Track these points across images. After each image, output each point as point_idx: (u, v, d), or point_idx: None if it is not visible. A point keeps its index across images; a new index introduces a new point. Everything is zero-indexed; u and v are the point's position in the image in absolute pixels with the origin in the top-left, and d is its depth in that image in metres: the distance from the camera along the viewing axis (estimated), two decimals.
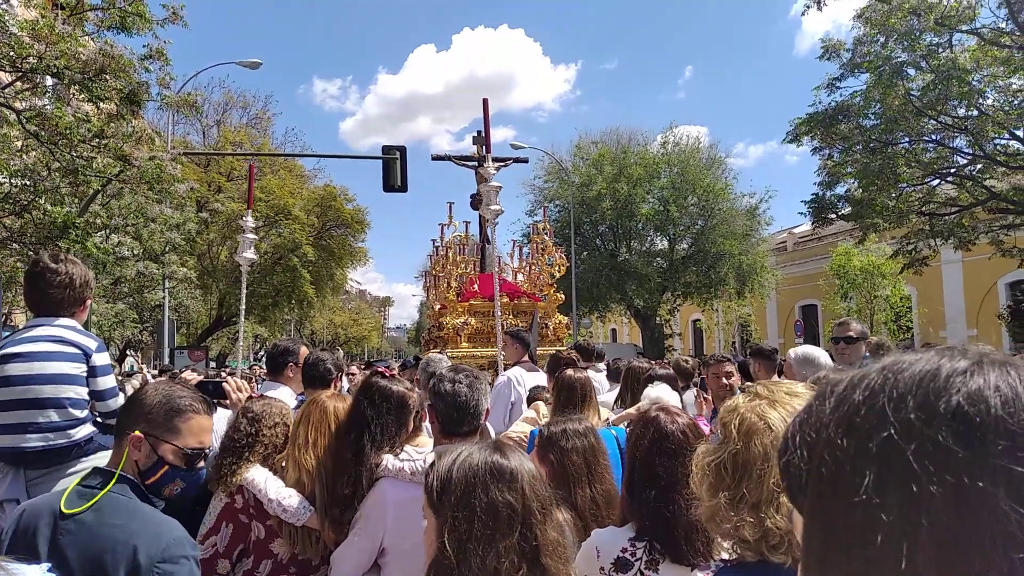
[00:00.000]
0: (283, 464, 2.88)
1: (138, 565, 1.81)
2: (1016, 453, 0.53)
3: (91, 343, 3.23)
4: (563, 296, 11.81)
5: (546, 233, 12.01)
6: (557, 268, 11.47)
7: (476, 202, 12.96)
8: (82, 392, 3.16)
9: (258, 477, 2.79)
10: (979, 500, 0.53)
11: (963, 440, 0.55)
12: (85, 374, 3.18)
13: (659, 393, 4.25)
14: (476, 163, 12.89)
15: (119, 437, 2.09)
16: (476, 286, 11.16)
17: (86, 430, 3.16)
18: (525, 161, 14.87)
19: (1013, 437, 0.54)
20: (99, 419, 3.28)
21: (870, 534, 0.57)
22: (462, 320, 10.28)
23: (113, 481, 1.97)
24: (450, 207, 12.20)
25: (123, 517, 1.91)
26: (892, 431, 0.57)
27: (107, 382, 3.25)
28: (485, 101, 6.60)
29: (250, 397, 3.40)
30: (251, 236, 7.35)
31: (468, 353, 9.84)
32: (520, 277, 12.20)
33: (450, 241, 11.95)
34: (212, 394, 3.69)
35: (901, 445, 0.56)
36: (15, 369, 3.05)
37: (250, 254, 7.32)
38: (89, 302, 3.41)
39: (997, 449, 0.54)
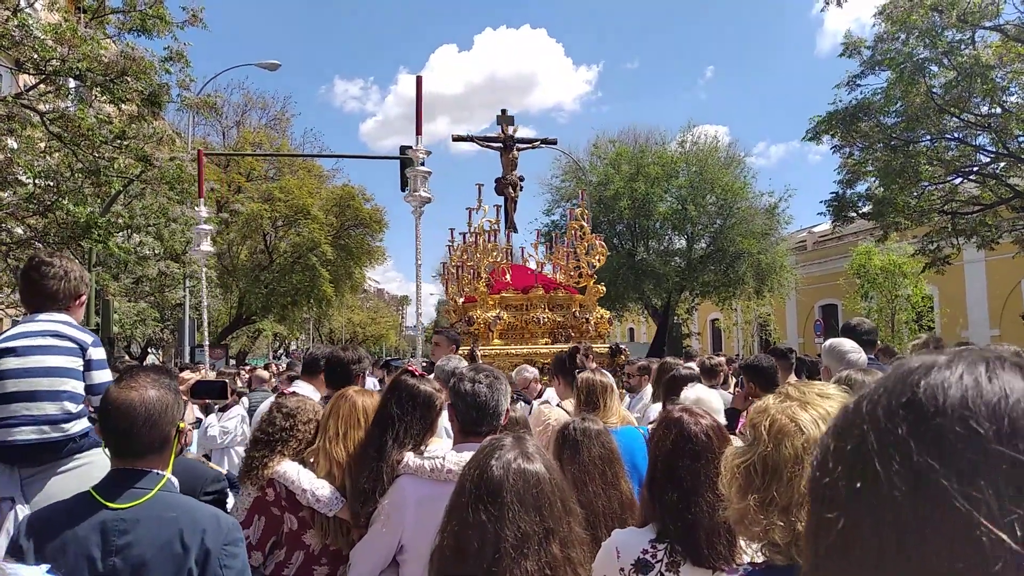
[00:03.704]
0: (311, 459, 2.91)
1: (207, 548, 1.98)
2: (967, 444, 0.54)
3: (87, 337, 3.20)
4: (604, 288, 11.08)
5: (584, 219, 11.11)
6: (597, 258, 10.64)
7: (502, 186, 12.13)
8: (79, 387, 3.13)
9: (290, 470, 2.82)
10: (933, 491, 0.54)
11: (916, 432, 0.56)
12: (82, 368, 3.15)
13: (698, 394, 3.95)
14: (501, 144, 12.10)
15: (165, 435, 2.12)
16: (508, 276, 10.31)
17: (81, 425, 3.12)
18: (554, 142, 13.53)
19: (967, 428, 0.55)
20: (94, 415, 3.21)
21: (844, 523, 0.59)
22: (494, 314, 9.43)
23: (165, 479, 2.07)
24: (479, 189, 10.88)
25: (177, 508, 2.03)
26: (866, 426, 0.60)
27: (103, 376, 3.21)
28: (419, 78, 5.53)
29: (281, 393, 3.42)
30: (206, 227, 6.96)
31: (501, 350, 9.09)
32: (548, 269, 11.40)
33: (479, 227, 10.63)
34: (215, 394, 3.72)
35: (870, 438, 0.59)
36: (11, 363, 3.02)
37: (206, 246, 6.95)
38: (84, 298, 3.37)
39: (949, 440, 0.55)
